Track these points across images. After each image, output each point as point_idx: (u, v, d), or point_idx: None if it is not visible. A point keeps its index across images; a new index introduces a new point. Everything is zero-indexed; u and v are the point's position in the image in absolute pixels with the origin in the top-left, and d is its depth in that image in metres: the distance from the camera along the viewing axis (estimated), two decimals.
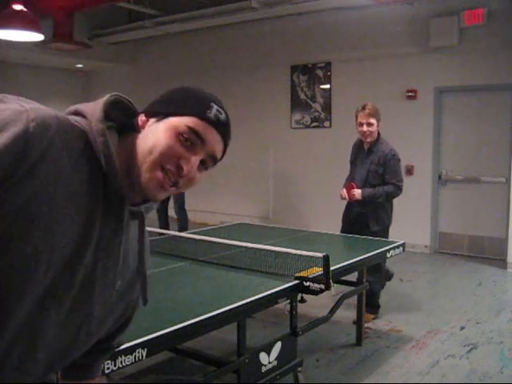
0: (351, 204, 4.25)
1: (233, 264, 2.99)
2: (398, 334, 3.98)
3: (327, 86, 7.48)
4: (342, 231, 4.33)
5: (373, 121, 4.08)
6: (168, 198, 6.80)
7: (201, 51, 8.72)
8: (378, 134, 4.18)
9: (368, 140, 4.15)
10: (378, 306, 4.31)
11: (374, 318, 4.27)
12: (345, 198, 4.17)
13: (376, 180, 4.08)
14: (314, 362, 3.46)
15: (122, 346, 1.79)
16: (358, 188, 4.12)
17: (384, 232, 4.13)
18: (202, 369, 3.01)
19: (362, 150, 4.23)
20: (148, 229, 3.77)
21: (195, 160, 1.02)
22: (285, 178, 7.97)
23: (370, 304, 4.24)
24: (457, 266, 6.09)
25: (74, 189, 0.92)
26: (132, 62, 9.64)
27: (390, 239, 3.81)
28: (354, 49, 7.14)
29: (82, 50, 7.04)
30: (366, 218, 4.14)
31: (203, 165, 1.06)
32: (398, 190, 4.06)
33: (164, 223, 6.56)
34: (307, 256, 2.77)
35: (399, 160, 4.11)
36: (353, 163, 4.35)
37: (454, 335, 3.94)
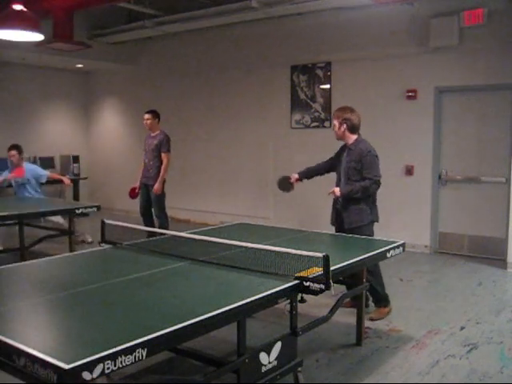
0: (335, 201, 4.42)
1: (233, 264, 2.99)
2: (398, 333, 3.98)
3: (327, 86, 7.48)
4: (336, 229, 4.44)
5: (334, 122, 4.40)
6: (150, 201, 6.70)
7: (201, 51, 8.72)
8: (359, 134, 4.35)
9: (336, 139, 4.44)
10: (386, 296, 4.33)
11: (389, 312, 4.29)
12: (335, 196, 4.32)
13: (356, 176, 4.23)
14: (314, 362, 3.46)
15: (122, 346, 1.80)
16: (340, 185, 4.32)
17: (365, 229, 4.19)
18: (202, 369, 3.01)
19: (346, 150, 4.39)
20: (148, 229, 3.77)
21: None
22: None
23: (377, 298, 4.27)
24: (457, 265, 6.09)
25: None
26: (132, 62, 9.63)
27: (390, 239, 3.79)
28: (354, 49, 7.14)
29: (82, 50, 7.03)
30: (342, 216, 4.30)
31: None
32: (374, 184, 4.17)
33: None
34: (307, 256, 2.77)
35: (376, 156, 4.24)
36: (334, 159, 4.52)
37: (453, 335, 3.94)
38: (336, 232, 4.37)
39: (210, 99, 8.73)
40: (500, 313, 4.45)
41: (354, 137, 4.31)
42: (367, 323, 4.03)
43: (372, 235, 4.23)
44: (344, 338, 3.85)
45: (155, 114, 6.66)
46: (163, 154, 6.55)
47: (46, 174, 7.08)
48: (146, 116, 6.65)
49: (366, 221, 4.22)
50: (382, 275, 4.36)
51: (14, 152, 6.84)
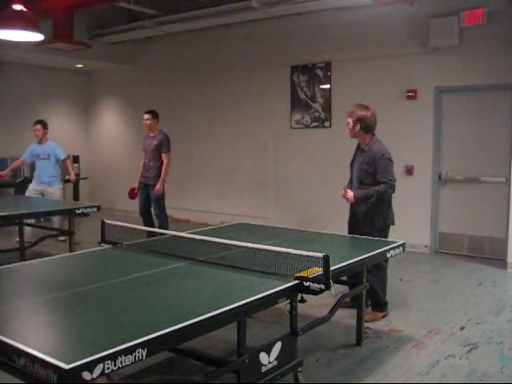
0: (351, 205, 4.32)
1: (233, 264, 2.99)
2: (398, 333, 3.98)
3: (327, 86, 7.48)
4: (348, 232, 4.39)
5: (348, 120, 4.26)
6: (149, 201, 6.69)
7: (201, 51, 8.72)
8: (373, 134, 4.25)
9: (351, 137, 4.34)
10: (385, 303, 4.32)
11: (383, 316, 4.27)
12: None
13: (368, 179, 4.13)
14: (314, 362, 3.46)
15: (122, 346, 1.80)
16: (354, 188, 4.22)
17: (378, 234, 4.12)
18: (202, 369, 3.01)
19: (359, 150, 4.31)
20: (148, 229, 3.79)
21: None
22: (285, 178, 7.97)
23: (375, 303, 4.25)
24: (457, 266, 6.09)
25: None
26: (132, 62, 9.64)
27: (390, 239, 3.80)
28: (354, 49, 7.14)
29: (82, 49, 7.03)
30: (358, 219, 4.23)
31: None
32: (390, 188, 4.08)
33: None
34: (307, 256, 2.77)
35: (390, 160, 4.14)
36: (351, 164, 4.42)
37: (453, 335, 3.94)
38: (349, 233, 4.33)
39: (210, 99, 8.72)
40: (500, 313, 4.45)
41: (369, 137, 4.21)
42: (367, 323, 4.03)
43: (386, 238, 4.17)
44: (344, 338, 3.85)
45: (154, 114, 6.65)
46: (163, 155, 6.53)
47: (64, 154, 7.30)
48: (146, 116, 6.62)
49: (383, 224, 4.16)
50: (386, 282, 4.34)
51: (38, 126, 7.12)
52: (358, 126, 4.18)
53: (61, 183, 7.36)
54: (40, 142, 7.17)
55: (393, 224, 4.27)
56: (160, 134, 6.59)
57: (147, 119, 6.60)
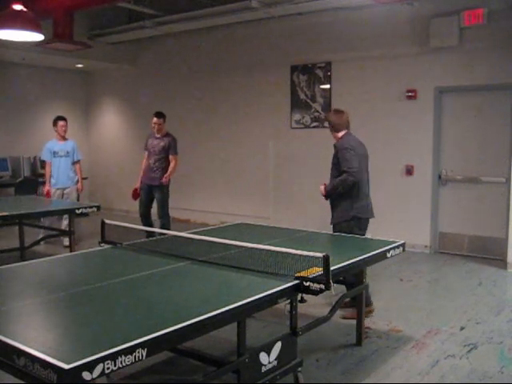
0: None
1: (233, 264, 2.99)
2: (398, 334, 3.98)
3: (327, 86, 7.48)
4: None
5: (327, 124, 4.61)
6: (151, 203, 6.70)
7: (201, 51, 8.72)
8: (347, 131, 4.47)
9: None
10: (369, 297, 4.24)
11: (370, 311, 4.24)
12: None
13: (337, 172, 4.32)
14: (314, 361, 3.46)
15: (122, 346, 1.80)
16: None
17: (344, 225, 4.23)
18: (202, 369, 3.02)
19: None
20: (148, 229, 3.78)
21: None
22: (285, 178, 7.97)
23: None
24: (457, 266, 6.09)
25: None
26: (132, 62, 9.63)
27: (390, 239, 3.79)
28: (354, 49, 7.14)
29: (82, 49, 7.03)
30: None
31: None
32: (350, 176, 4.18)
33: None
34: (307, 256, 2.77)
35: (349, 149, 4.26)
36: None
37: (453, 335, 3.94)
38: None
39: (210, 99, 8.72)
40: (500, 313, 4.45)
41: (340, 134, 4.43)
42: (367, 323, 4.03)
43: (354, 231, 4.17)
44: (344, 338, 3.85)
45: (164, 118, 6.63)
46: (171, 156, 6.55)
47: (81, 155, 7.32)
48: (158, 120, 6.55)
49: (346, 217, 4.25)
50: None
51: (63, 122, 7.07)
52: (330, 128, 4.51)
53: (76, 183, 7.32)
54: (59, 139, 7.08)
55: (365, 216, 4.32)
56: (168, 136, 6.58)
57: (159, 123, 6.55)
